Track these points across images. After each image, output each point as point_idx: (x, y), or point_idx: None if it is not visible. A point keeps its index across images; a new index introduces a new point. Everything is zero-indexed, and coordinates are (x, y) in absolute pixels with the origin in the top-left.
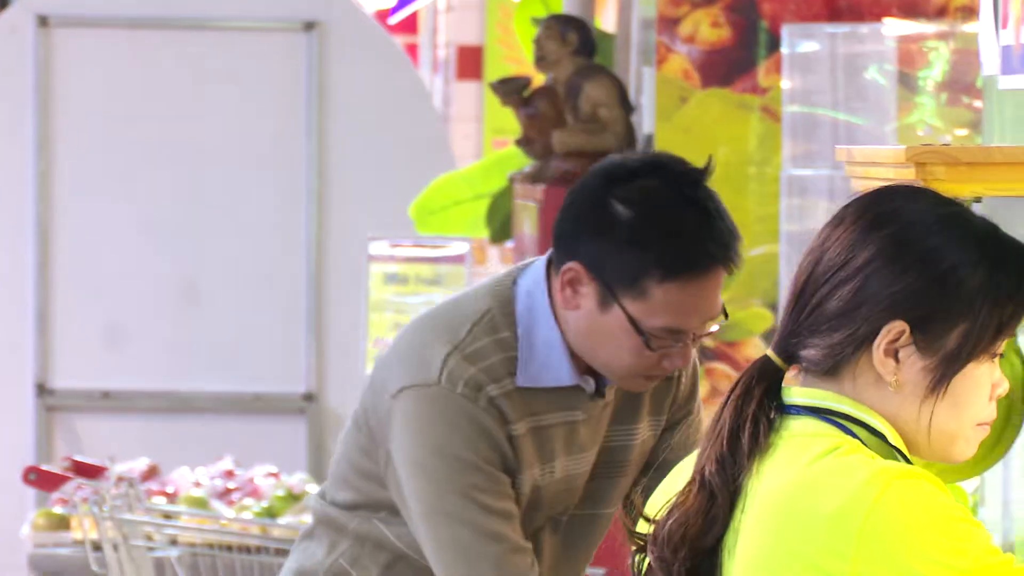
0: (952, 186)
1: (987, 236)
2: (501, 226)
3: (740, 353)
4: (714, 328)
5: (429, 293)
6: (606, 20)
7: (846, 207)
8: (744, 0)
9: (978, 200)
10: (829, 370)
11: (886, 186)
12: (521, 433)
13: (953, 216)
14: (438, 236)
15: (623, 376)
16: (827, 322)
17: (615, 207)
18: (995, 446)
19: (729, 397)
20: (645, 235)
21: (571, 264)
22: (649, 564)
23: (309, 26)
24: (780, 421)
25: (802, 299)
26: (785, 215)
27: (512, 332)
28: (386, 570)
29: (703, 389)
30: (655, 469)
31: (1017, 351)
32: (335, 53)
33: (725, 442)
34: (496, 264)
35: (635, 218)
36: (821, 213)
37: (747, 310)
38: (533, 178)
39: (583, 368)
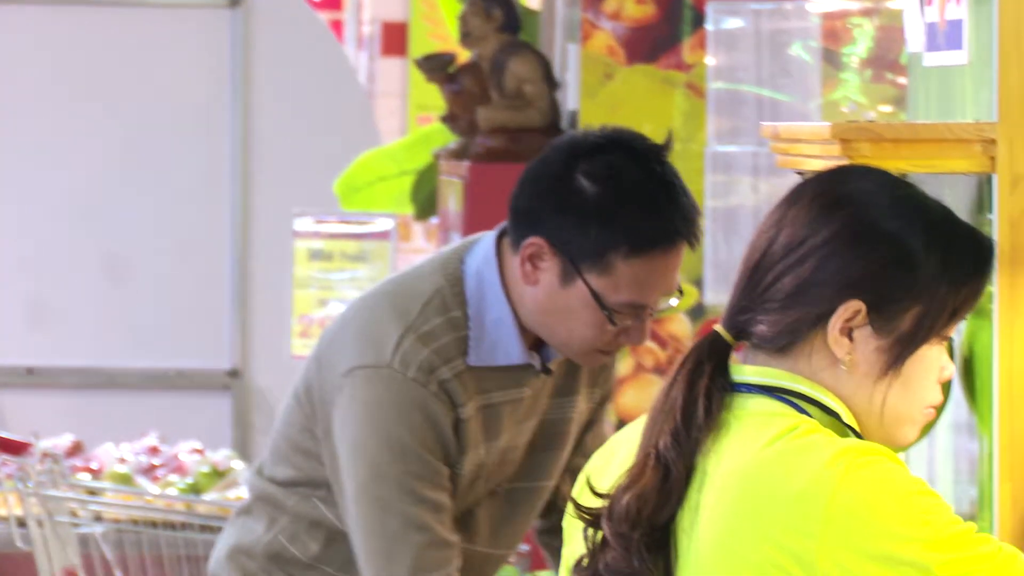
0: (877, 163)
1: (943, 220)
2: (426, 202)
3: (664, 330)
4: (672, 302)
5: (354, 269)
6: None
7: (802, 185)
8: None
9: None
10: (782, 348)
11: (842, 166)
12: (470, 415)
13: (910, 198)
14: (363, 212)
15: (579, 352)
16: (782, 300)
17: (581, 182)
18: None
19: (679, 372)
20: (613, 210)
21: (533, 239)
22: (604, 538)
23: (234, 2)
24: (731, 399)
25: (755, 276)
26: (710, 191)
27: (463, 311)
28: (325, 548)
29: (628, 365)
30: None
31: None
32: (260, 29)
33: (679, 417)
34: (421, 240)
35: (602, 193)
36: (746, 189)
37: None
38: (458, 155)
39: (531, 344)
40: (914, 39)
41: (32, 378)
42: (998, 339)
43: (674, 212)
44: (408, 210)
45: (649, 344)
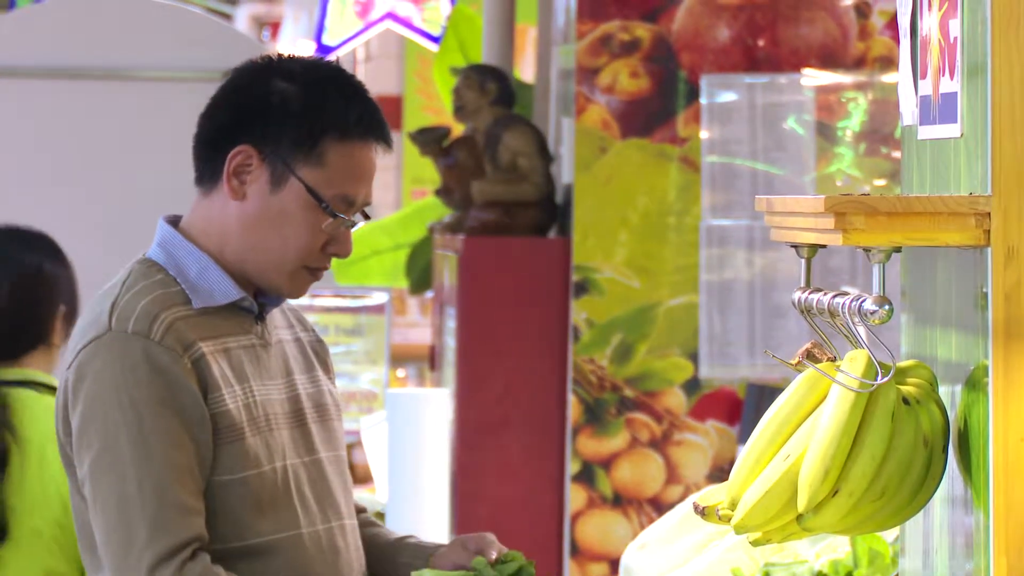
0: (872, 236)
1: None
2: (421, 276)
3: (660, 403)
4: (362, 220)
5: (349, 344)
6: (525, 70)
7: None
8: (663, 50)
9: (898, 250)
10: None
11: None
12: (208, 352)
13: None
14: (358, 286)
15: (291, 270)
16: None
17: (279, 84)
18: (916, 496)
19: None
20: (318, 99)
21: (239, 148)
22: None
23: (227, 74)
24: None
25: None
26: (705, 265)
27: (166, 275)
28: None
29: (623, 439)
30: None
31: (937, 401)
32: None
33: None
34: (416, 315)
35: (305, 87)
36: (740, 263)
37: (666, 359)
38: (453, 228)
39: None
40: (908, 112)
41: None
42: (993, 412)
43: (373, 107)
44: (403, 284)
45: (644, 418)
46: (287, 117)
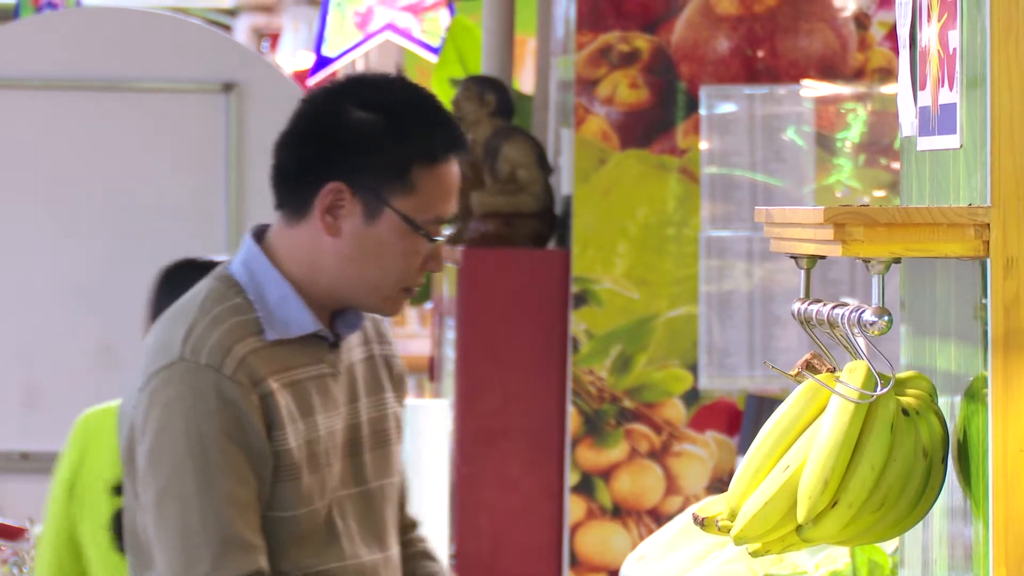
0: (871, 247)
1: None
2: (420, 288)
3: (659, 414)
4: (447, 231)
5: None
6: (524, 81)
7: None
8: (662, 61)
9: (897, 261)
10: None
11: None
12: (276, 388)
13: None
14: None
15: (389, 294)
16: None
17: (358, 115)
18: (916, 507)
19: None
20: (402, 128)
21: (328, 186)
22: None
23: (228, 87)
24: None
25: None
26: (704, 276)
27: (244, 299)
28: None
29: (623, 450)
30: None
31: (937, 412)
32: (253, 114)
33: None
34: (415, 326)
35: (386, 116)
36: (740, 274)
37: (665, 371)
38: (452, 240)
39: (320, 319)
40: (907, 124)
41: (27, 463)
42: (992, 423)
43: (451, 120)
44: None
45: (643, 429)
46: (374, 150)
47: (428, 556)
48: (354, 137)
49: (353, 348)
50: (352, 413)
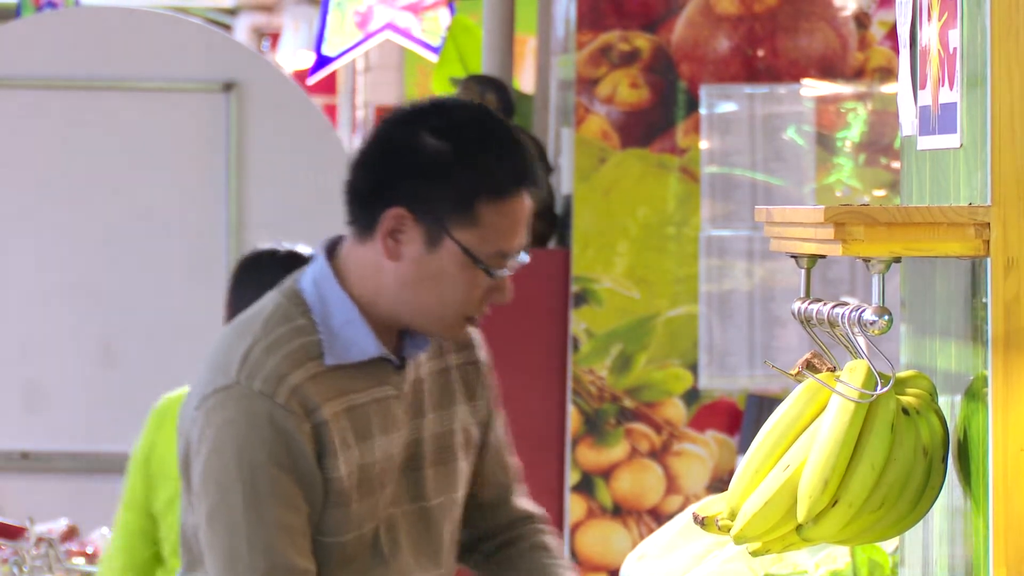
0: (871, 246)
1: None
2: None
3: (659, 413)
4: (523, 258)
5: None
6: (525, 81)
7: None
8: (662, 61)
9: (897, 260)
10: None
11: None
12: (329, 417)
13: None
14: None
15: (449, 322)
16: None
17: (428, 141)
18: (916, 506)
19: None
20: (469, 159)
21: (392, 211)
22: None
23: (228, 87)
24: None
25: None
26: (704, 276)
27: (308, 320)
28: None
29: (623, 450)
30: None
31: (937, 411)
32: (254, 113)
33: None
34: None
35: (455, 146)
36: (740, 274)
37: (666, 370)
38: None
39: (389, 346)
40: (907, 123)
41: (27, 462)
42: (993, 422)
43: (523, 154)
44: None
45: (644, 428)
46: (440, 178)
47: (543, 547)
48: (421, 164)
49: (422, 363)
50: (415, 429)
